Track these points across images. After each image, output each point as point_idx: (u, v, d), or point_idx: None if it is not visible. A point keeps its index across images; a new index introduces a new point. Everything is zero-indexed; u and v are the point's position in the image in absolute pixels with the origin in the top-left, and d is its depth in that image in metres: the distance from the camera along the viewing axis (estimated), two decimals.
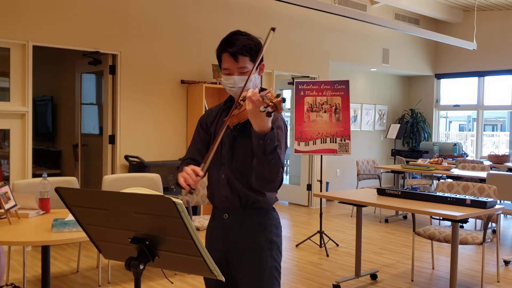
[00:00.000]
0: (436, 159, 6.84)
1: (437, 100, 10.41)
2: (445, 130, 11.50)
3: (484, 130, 10.20)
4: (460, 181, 4.73)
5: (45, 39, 5.22)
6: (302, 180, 8.22)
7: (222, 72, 1.99)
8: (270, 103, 1.67)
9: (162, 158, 6.15)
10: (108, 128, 5.86)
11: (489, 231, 4.21)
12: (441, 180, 5.43)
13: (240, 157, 1.94)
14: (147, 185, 4.34)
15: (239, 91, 1.94)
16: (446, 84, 10.42)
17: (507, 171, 6.87)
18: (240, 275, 1.98)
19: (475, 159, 8.66)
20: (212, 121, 2.08)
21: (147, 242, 1.52)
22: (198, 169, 1.83)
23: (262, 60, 2.00)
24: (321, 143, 5.43)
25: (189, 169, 1.83)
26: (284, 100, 1.68)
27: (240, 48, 1.91)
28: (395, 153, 8.74)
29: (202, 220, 4.42)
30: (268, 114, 1.69)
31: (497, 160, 7.53)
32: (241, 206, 1.97)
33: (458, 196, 3.84)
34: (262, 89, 1.94)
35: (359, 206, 4.29)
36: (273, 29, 1.88)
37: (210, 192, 2.07)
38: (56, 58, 7.34)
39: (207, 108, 6.29)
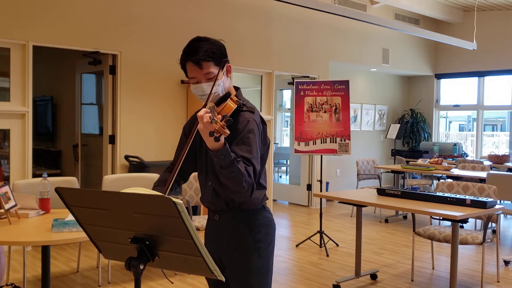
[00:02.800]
0: (436, 159, 6.84)
1: (437, 100, 10.41)
2: (445, 130, 11.50)
3: (484, 130, 10.20)
4: (460, 181, 4.72)
5: (45, 39, 5.21)
6: (302, 180, 8.22)
7: (190, 81, 1.97)
8: (215, 129, 1.64)
9: (162, 158, 6.14)
10: (108, 128, 5.86)
11: (489, 231, 4.21)
12: (441, 180, 5.43)
13: None
14: (147, 185, 4.33)
15: (211, 98, 1.92)
16: (446, 84, 10.41)
17: (507, 171, 6.87)
18: (230, 276, 1.99)
19: (475, 159, 8.66)
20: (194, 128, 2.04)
21: (147, 242, 1.52)
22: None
23: (227, 61, 1.97)
24: (321, 143, 5.44)
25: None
26: (228, 122, 1.64)
27: (202, 54, 1.88)
28: (395, 153, 8.75)
29: (202, 220, 4.42)
30: (216, 139, 1.67)
31: (497, 160, 7.53)
32: (229, 208, 1.98)
33: (458, 196, 3.84)
34: (236, 88, 1.95)
35: (359, 206, 4.29)
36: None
37: (201, 196, 2.11)
38: (56, 58, 7.34)
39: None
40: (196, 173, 2.11)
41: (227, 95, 1.94)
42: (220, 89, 1.94)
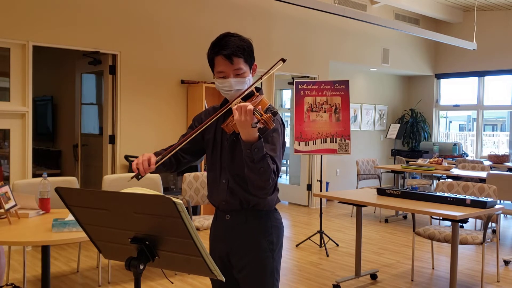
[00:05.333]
0: (436, 159, 6.84)
1: (437, 100, 10.41)
2: (445, 130, 11.51)
3: (484, 130, 10.20)
4: (460, 181, 4.73)
5: (45, 39, 5.21)
6: (302, 180, 8.21)
7: (216, 75, 1.97)
8: (261, 119, 1.64)
9: None
10: (108, 128, 5.86)
11: (489, 231, 4.21)
12: (441, 180, 5.43)
13: (240, 162, 1.89)
14: (147, 185, 4.34)
15: (236, 94, 1.92)
16: (446, 84, 10.41)
17: (507, 171, 6.87)
18: (241, 276, 1.98)
19: (475, 159, 8.66)
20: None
21: (147, 242, 1.52)
22: (153, 160, 1.87)
23: (254, 60, 2.00)
24: (321, 143, 5.44)
25: (146, 156, 1.88)
26: (275, 114, 1.66)
27: (234, 49, 1.90)
28: (395, 153, 8.74)
29: (202, 220, 4.41)
30: (260, 130, 1.67)
31: (497, 160, 7.53)
32: (242, 208, 1.97)
33: (458, 196, 3.84)
34: (257, 89, 1.94)
35: (359, 206, 4.29)
36: (283, 60, 1.89)
37: (210, 195, 2.08)
38: (56, 58, 7.34)
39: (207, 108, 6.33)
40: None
41: (251, 93, 1.93)
42: (246, 86, 1.95)
